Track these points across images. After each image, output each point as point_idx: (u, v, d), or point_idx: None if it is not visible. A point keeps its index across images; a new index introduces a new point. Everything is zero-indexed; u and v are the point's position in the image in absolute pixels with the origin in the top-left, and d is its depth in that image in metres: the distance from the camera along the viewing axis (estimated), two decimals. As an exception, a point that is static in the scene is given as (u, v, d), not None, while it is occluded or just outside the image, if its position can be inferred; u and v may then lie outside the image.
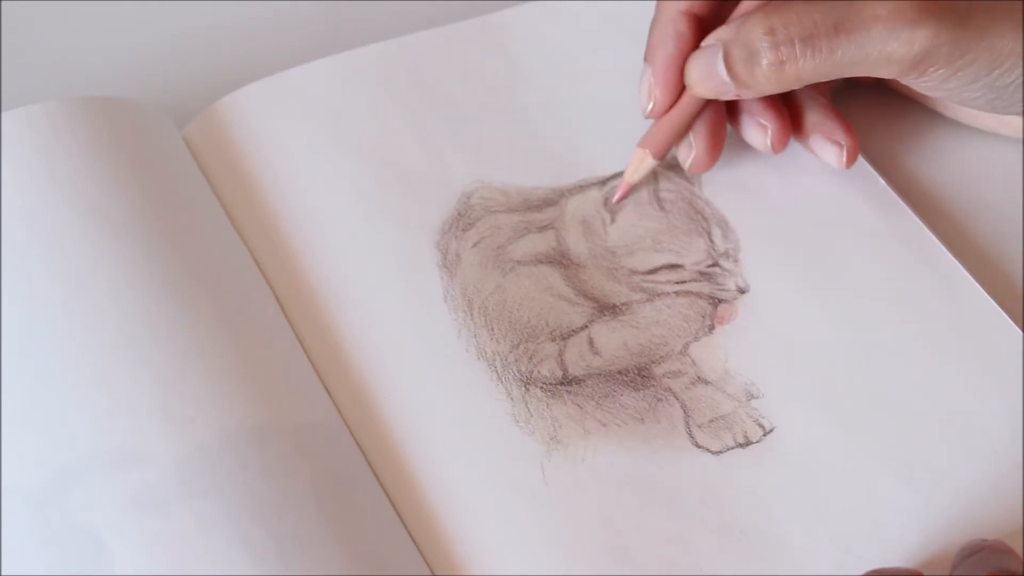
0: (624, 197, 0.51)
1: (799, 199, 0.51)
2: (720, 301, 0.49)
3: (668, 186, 0.52)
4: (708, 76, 0.48)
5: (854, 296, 0.49)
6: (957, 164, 0.54)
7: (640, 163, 0.50)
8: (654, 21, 0.50)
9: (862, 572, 0.42)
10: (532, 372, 0.47)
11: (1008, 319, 0.48)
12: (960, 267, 0.49)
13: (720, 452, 0.46)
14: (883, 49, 0.45)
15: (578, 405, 0.46)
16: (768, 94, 0.48)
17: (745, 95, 0.48)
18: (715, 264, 0.50)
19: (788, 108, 0.51)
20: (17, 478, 0.42)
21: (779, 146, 0.50)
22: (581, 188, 0.52)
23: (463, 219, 0.51)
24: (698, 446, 0.46)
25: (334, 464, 0.44)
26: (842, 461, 0.45)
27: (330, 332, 0.48)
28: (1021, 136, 0.53)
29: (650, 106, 0.50)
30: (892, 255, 0.50)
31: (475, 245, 0.50)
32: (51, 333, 0.45)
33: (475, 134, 0.53)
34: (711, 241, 0.51)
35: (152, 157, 0.50)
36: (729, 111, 0.51)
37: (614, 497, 0.44)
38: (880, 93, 0.54)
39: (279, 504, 0.42)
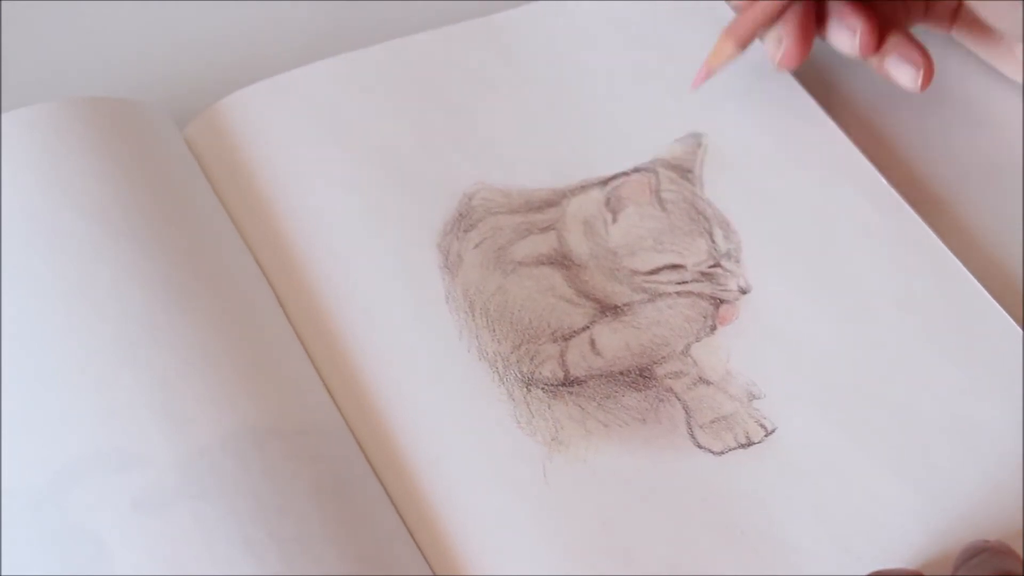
0: (703, 81, 0.52)
1: (801, 199, 0.51)
2: (722, 302, 0.49)
3: (670, 187, 0.52)
4: None
5: (856, 296, 0.49)
6: (959, 163, 0.54)
7: (722, 50, 0.51)
8: None
9: (863, 573, 0.42)
10: (534, 373, 0.47)
11: (1009, 319, 0.48)
12: (961, 267, 0.49)
13: (722, 453, 0.46)
14: None
15: (579, 406, 0.46)
16: None
17: None
18: (717, 264, 0.50)
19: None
20: (17, 479, 0.42)
21: (867, 49, 0.51)
22: (583, 188, 0.52)
23: (465, 220, 0.51)
24: (700, 447, 0.46)
25: (335, 465, 0.44)
26: (843, 462, 0.45)
27: (331, 333, 0.48)
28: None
29: None
30: (894, 255, 0.50)
31: (477, 246, 0.50)
32: (52, 334, 0.44)
33: (476, 135, 0.53)
34: (713, 242, 0.51)
35: (153, 158, 0.50)
36: (818, 19, 0.52)
37: (615, 498, 0.44)
38: (893, 90, 0.54)
39: (280, 505, 0.42)
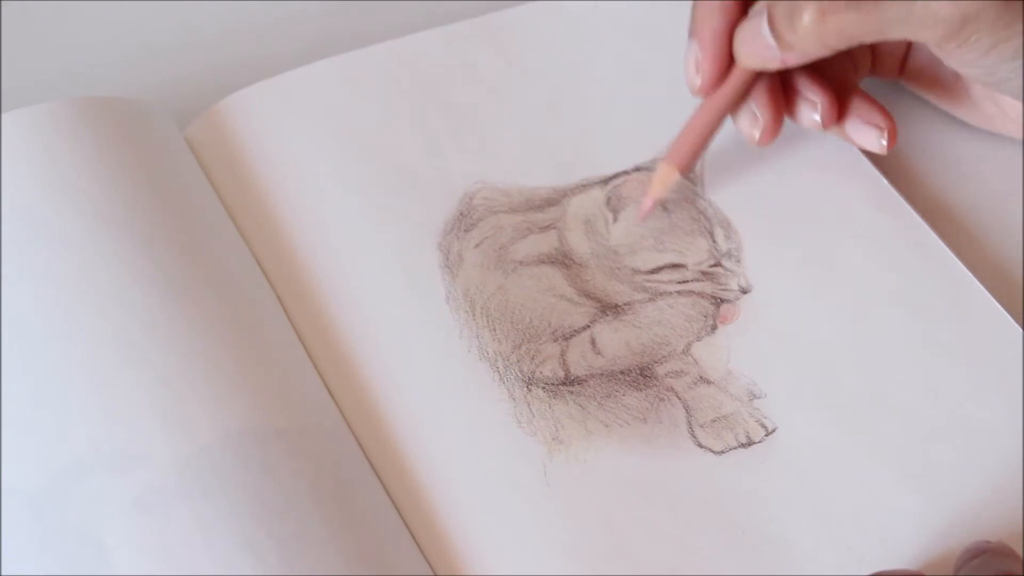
0: (649, 214, 0.50)
1: (801, 199, 0.51)
2: (722, 301, 0.49)
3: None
4: (753, 39, 0.47)
5: (856, 296, 0.49)
6: (959, 163, 0.54)
7: (667, 178, 0.50)
8: None
9: (864, 573, 0.42)
10: (534, 372, 0.47)
11: (1010, 318, 0.48)
12: (962, 266, 0.49)
13: (722, 452, 0.46)
14: (928, 7, 0.44)
15: (580, 405, 0.46)
16: (811, 55, 0.47)
17: (789, 59, 0.47)
18: (717, 264, 0.50)
19: None
20: (18, 480, 0.42)
21: (829, 121, 0.50)
22: (583, 188, 0.52)
23: (465, 219, 0.51)
24: (700, 446, 0.46)
25: (335, 465, 0.44)
26: (844, 461, 0.45)
27: (332, 333, 0.48)
28: (1022, 136, 0.53)
29: (698, 81, 0.49)
30: (894, 255, 0.50)
31: (477, 245, 0.50)
32: (52, 334, 0.44)
33: (477, 134, 0.53)
34: (713, 241, 0.50)
35: (154, 158, 0.50)
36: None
37: (616, 497, 0.44)
38: (892, 91, 0.54)
39: (280, 505, 0.42)
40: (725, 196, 0.52)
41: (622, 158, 0.53)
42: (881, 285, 0.49)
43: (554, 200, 0.52)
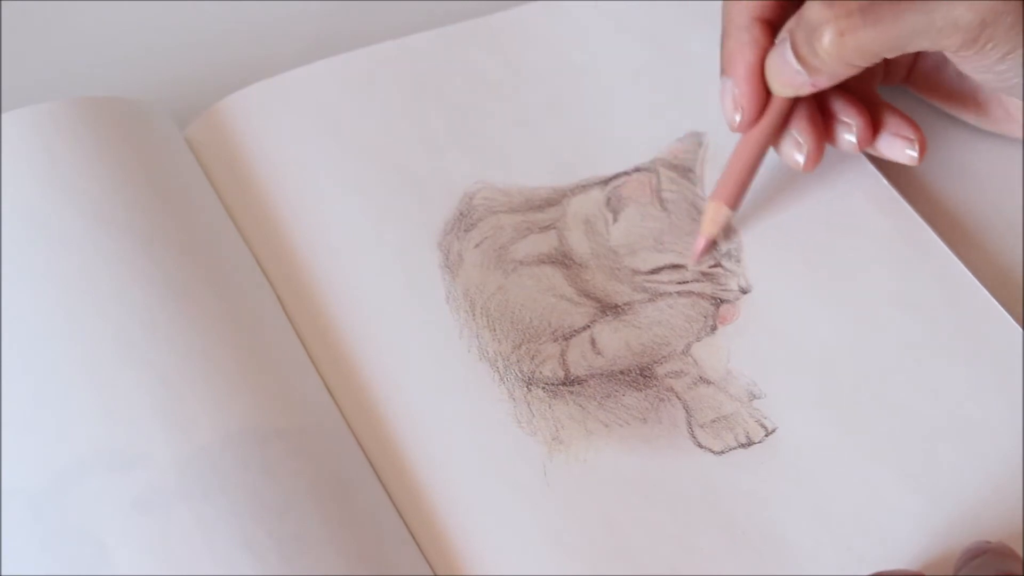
0: (705, 253, 0.50)
1: (801, 199, 0.51)
2: (722, 301, 0.49)
3: (671, 186, 0.52)
4: (781, 69, 0.47)
5: (856, 296, 0.49)
6: (959, 163, 0.54)
7: (717, 215, 0.49)
8: (725, 33, 0.50)
9: (864, 573, 0.42)
10: (534, 372, 0.47)
11: (1010, 318, 0.48)
12: (962, 266, 0.49)
13: (722, 452, 0.46)
14: (948, 14, 0.44)
15: (580, 405, 0.46)
16: (838, 76, 0.47)
17: (819, 82, 0.47)
18: (717, 264, 0.50)
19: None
20: (18, 480, 0.42)
21: (865, 142, 0.50)
22: (583, 188, 0.52)
23: (465, 219, 0.51)
24: (700, 446, 0.46)
25: (335, 465, 0.44)
26: (844, 462, 0.45)
27: (332, 333, 0.48)
28: (1022, 137, 0.53)
29: (737, 118, 0.49)
30: (894, 255, 0.50)
31: (477, 245, 0.50)
32: (52, 334, 0.44)
33: (477, 134, 0.53)
34: (713, 241, 0.50)
35: (154, 158, 0.50)
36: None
37: (616, 497, 0.44)
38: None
39: (280, 505, 0.42)
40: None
41: (622, 158, 0.53)
42: (881, 285, 0.49)
43: (554, 200, 0.52)
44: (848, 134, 0.50)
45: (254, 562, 0.40)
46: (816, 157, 0.49)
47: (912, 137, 0.50)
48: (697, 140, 0.53)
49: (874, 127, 0.50)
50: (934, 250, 0.50)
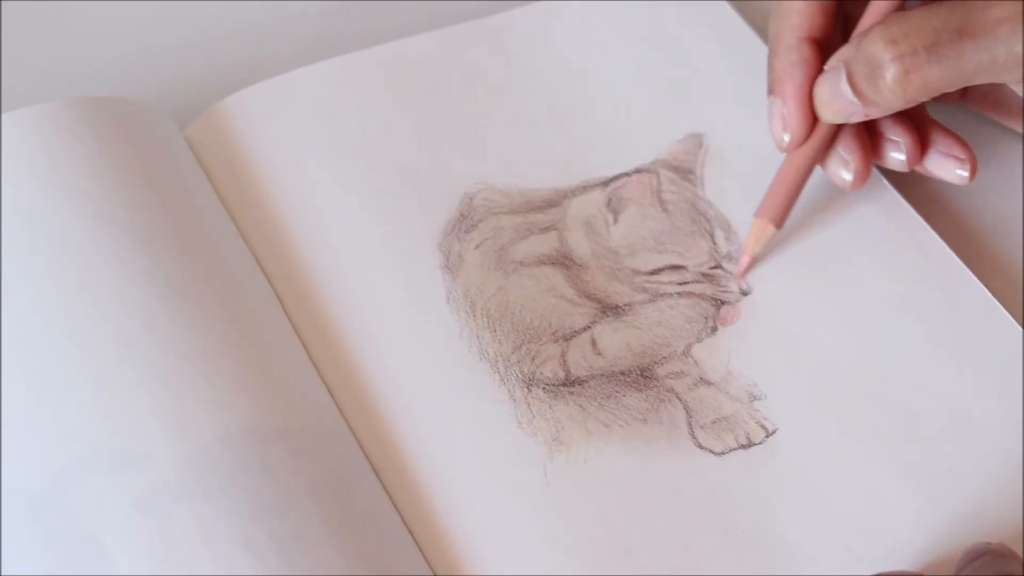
0: (748, 271, 0.50)
1: (802, 200, 0.51)
2: (723, 303, 0.49)
3: (671, 187, 0.52)
4: (834, 98, 0.47)
5: (856, 296, 0.49)
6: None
7: (762, 233, 0.49)
8: (772, 52, 0.49)
9: (864, 573, 0.42)
10: (534, 373, 0.47)
11: (1010, 318, 0.48)
12: (962, 266, 0.49)
13: (722, 453, 0.46)
14: (1010, 50, 0.43)
15: (580, 406, 0.46)
16: (895, 110, 0.47)
17: (873, 113, 0.47)
18: (718, 266, 0.50)
19: None
20: (18, 480, 0.42)
21: (914, 161, 0.49)
22: (584, 189, 0.52)
23: (466, 220, 0.51)
24: (700, 447, 0.46)
25: (335, 465, 0.44)
26: (844, 462, 0.45)
27: (332, 333, 0.48)
28: None
29: (786, 138, 0.49)
30: (895, 255, 0.50)
31: (478, 246, 0.50)
32: (53, 334, 0.44)
33: (477, 135, 0.53)
34: (714, 243, 0.50)
35: (154, 158, 0.50)
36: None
37: (616, 498, 0.44)
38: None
39: (281, 505, 0.42)
40: (725, 197, 0.52)
41: (622, 159, 0.53)
42: (881, 285, 0.49)
43: (554, 201, 0.52)
44: (897, 152, 0.49)
45: (254, 562, 0.40)
46: (864, 175, 0.49)
47: (963, 157, 0.49)
48: (697, 141, 0.53)
49: (924, 147, 0.50)
50: (935, 250, 0.50)
